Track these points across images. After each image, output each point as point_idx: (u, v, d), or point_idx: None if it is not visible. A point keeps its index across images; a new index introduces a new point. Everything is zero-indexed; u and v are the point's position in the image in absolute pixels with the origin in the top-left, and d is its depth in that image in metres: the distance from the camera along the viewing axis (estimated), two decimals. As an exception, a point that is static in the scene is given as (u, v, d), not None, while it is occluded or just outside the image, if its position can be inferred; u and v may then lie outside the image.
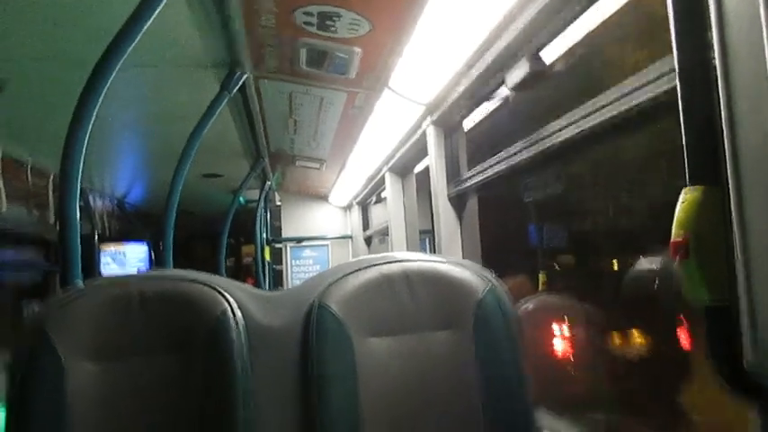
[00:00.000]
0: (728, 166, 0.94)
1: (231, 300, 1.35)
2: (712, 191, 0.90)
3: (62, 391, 1.24)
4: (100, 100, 1.75)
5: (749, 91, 0.91)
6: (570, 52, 2.01)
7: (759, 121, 0.89)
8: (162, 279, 1.40)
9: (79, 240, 1.75)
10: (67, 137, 1.73)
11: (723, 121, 0.94)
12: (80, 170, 1.74)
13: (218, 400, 1.28)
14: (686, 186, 0.93)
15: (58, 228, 1.73)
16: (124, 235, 7.41)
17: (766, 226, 0.88)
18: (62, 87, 2.56)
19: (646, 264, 1.97)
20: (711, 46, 0.96)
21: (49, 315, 1.29)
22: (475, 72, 2.21)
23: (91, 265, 6.27)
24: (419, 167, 4.07)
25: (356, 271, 1.41)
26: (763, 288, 0.90)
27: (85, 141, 1.74)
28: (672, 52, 1.00)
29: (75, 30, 2.19)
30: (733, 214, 0.93)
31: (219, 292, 1.35)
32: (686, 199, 0.91)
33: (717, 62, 0.96)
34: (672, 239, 0.92)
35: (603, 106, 1.57)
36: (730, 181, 0.93)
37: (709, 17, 0.96)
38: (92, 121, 1.74)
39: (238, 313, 1.33)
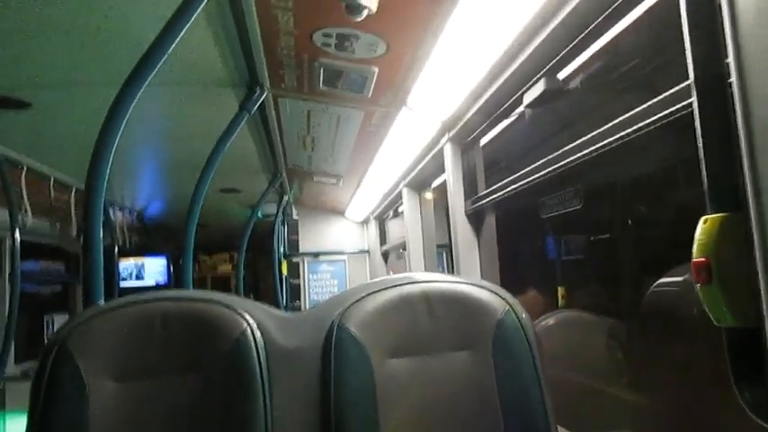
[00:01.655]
0: (749, 190, 0.94)
1: (251, 320, 1.36)
2: (733, 215, 0.90)
3: (83, 409, 1.26)
4: (125, 120, 1.78)
5: (767, 114, 0.91)
6: (585, 71, 2.02)
7: None
8: (182, 300, 1.42)
9: (102, 257, 1.78)
10: (93, 155, 1.76)
11: (743, 146, 0.94)
12: (104, 188, 1.78)
13: (238, 421, 1.29)
14: (707, 210, 0.93)
15: (81, 243, 1.75)
16: (143, 248, 7.49)
17: None
18: (86, 106, 2.62)
19: (667, 281, 1.95)
20: (729, 70, 0.96)
21: (71, 333, 1.31)
22: (492, 90, 2.22)
23: (111, 278, 6.33)
24: (436, 182, 4.07)
25: (375, 292, 1.42)
26: None
27: (110, 160, 1.77)
28: (688, 75, 1.01)
29: (99, 53, 2.24)
30: (755, 239, 0.93)
31: (239, 313, 1.37)
32: (707, 224, 0.91)
33: (734, 87, 0.96)
34: (693, 262, 0.92)
35: (620, 127, 1.57)
36: (751, 206, 0.93)
37: (726, 41, 0.97)
38: (117, 140, 1.77)
39: (258, 334, 1.34)
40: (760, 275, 0.92)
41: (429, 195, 4.25)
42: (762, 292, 0.92)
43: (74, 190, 4.45)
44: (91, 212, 1.78)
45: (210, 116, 3.00)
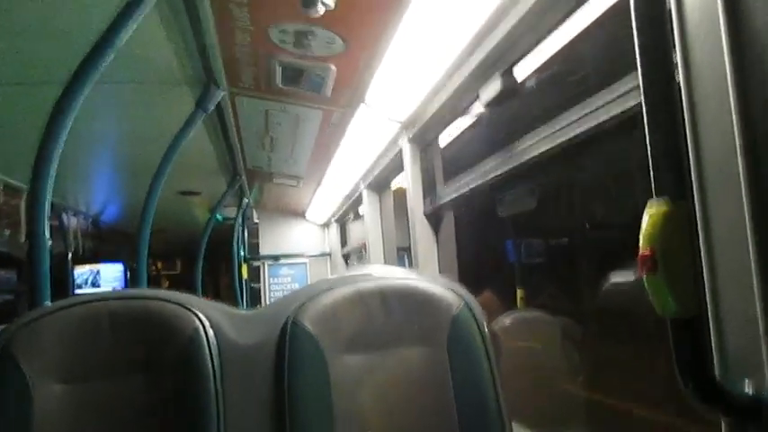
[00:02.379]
0: (693, 181, 0.96)
1: (204, 318, 1.33)
2: (678, 205, 0.92)
3: (27, 413, 1.22)
4: (71, 118, 1.73)
5: (712, 106, 0.93)
6: (541, 69, 2.04)
7: (722, 136, 0.91)
8: (132, 298, 1.38)
9: (49, 259, 1.73)
10: (38, 155, 1.71)
11: (687, 136, 0.96)
12: (50, 188, 1.72)
13: (189, 421, 1.26)
14: (652, 200, 0.94)
15: (27, 246, 1.70)
16: (99, 254, 7.31)
17: (731, 238, 0.90)
18: (32, 106, 2.53)
19: (618, 278, 1.98)
20: (675, 63, 0.98)
21: (14, 334, 1.27)
22: (449, 89, 2.23)
23: (65, 285, 6.16)
24: (396, 183, 4.08)
25: (331, 289, 1.41)
26: (729, 300, 0.91)
27: (56, 160, 1.72)
28: (637, 69, 1.02)
29: (45, 51, 2.17)
30: (699, 227, 0.95)
31: (191, 311, 1.34)
32: (652, 213, 0.92)
33: (680, 79, 0.98)
34: (639, 253, 0.93)
35: (571, 123, 1.60)
36: (695, 195, 0.95)
37: (673, 35, 0.99)
38: (63, 140, 1.72)
39: (210, 332, 1.32)
40: (703, 264, 0.94)
41: (389, 196, 4.25)
42: (705, 280, 0.94)
43: (25, 195, 4.32)
44: (36, 214, 1.72)
45: (166, 116, 2.95)
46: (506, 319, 2.97)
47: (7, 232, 5.01)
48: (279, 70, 2.43)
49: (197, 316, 1.33)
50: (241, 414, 1.29)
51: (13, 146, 3.34)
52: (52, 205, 1.77)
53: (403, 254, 4.44)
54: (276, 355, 1.32)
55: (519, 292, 3.27)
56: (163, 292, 1.41)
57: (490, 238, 3.52)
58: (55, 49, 2.14)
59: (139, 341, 1.32)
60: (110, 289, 7.18)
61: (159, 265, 12.25)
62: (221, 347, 1.32)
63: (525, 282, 3.18)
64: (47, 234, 1.72)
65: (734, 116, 0.88)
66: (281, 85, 2.59)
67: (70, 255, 6.08)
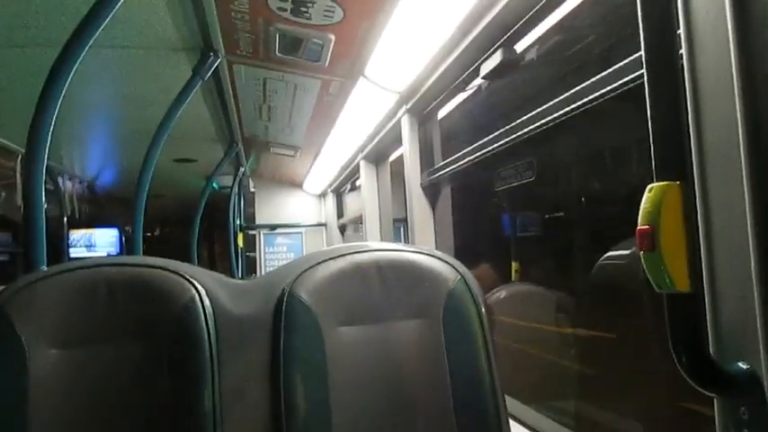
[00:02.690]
0: (694, 159, 0.96)
1: (200, 287, 1.33)
2: (678, 183, 0.92)
3: (22, 376, 1.22)
4: (67, 82, 1.71)
5: (715, 87, 0.93)
6: (542, 41, 2.02)
7: (724, 118, 0.90)
8: (129, 265, 1.38)
9: (44, 222, 1.72)
10: (34, 118, 1.69)
11: (689, 116, 0.96)
12: (46, 151, 1.71)
13: (184, 389, 1.27)
14: (653, 178, 0.94)
15: (22, 209, 1.70)
16: (94, 219, 7.30)
17: (729, 218, 0.90)
18: (29, 69, 2.51)
19: (615, 253, 2.00)
20: (679, 41, 0.97)
21: (10, 298, 1.27)
22: (449, 61, 2.21)
23: (59, 249, 6.17)
24: (394, 156, 4.06)
25: (327, 260, 1.41)
26: (726, 277, 0.92)
27: (52, 123, 1.71)
28: (640, 46, 1.01)
29: (41, 13, 2.14)
30: (698, 205, 0.95)
31: (188, 280, 1.34)
32: (652, 190, 0.92)
33: (684, 58, 0.98)
34: (638, 230, 0.93)
35: (574, 99, 1.58)
36: (695, 175, 0.95)
37: (677, 13, 0.97)
38: (59, 103, 1.71)
39: (207, 301, 1.32)
40: (701, 242, 0.94)
41: (386, 168, 4.24)
42: (702, 258, 0.94)
43: (19, 157, 4.29)
44: (32, 178, 1.71)
45: (163, 81, 2.92)
46: (501, 292, 3.00)
47: (2, 194, 5.00)
48: (277, 38, 2.40)
49: (193, 284, 1.33)
50: (236, 383, 1.30)
51: (8, 108, 3.31)
52: (48, 169, 1.76)
53: (399, 225, 4.46)
54: (272, 326, 1.33)
55: (514, 266, 3.29)
56: (159, 260, 1.40)
57: (487, 212, 3.53)
58: (52, 11, 2.10)
59: (135, 308, 1.32)
60: (104, 254, 7.19)
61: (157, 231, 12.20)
62: (217, 316, 1.32)
63: (520, 255, 3.20)
64: (42, 197, 1.72)
65: (737, 95, 0.87)
66: (279, 54, 2.56)
67: (66, 218, 6.07)
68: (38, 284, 1.30)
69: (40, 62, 1.73)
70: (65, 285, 1.31)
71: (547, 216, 3.05)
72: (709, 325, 0.95)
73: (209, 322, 1.31)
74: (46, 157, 1.71)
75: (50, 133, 1.71)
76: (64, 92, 1.71)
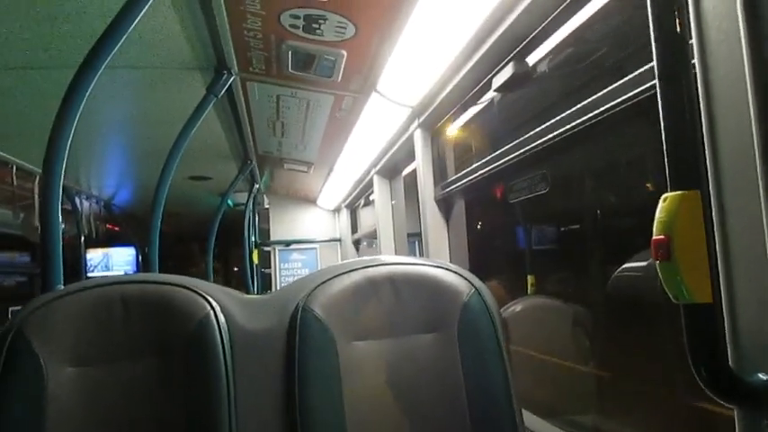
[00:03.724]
0: (709, 168, 0.95)
1: (214, 303, 1.34)
2: (693, 194, 0.91)
3: (40, 395, 1.23)
4: (83, 102, 1.74)
5: (728, 96, 0.92)
6: (554, 54, 2.02)
7: (738, 126, 0.90)
8: (144, 283, 1.39)
9: (61, 242, 1.74)
10: (50, 138, 1.72)
11: (703, 125, 0.95)
12: (62, 172, 1.73)
13: (200, 405, 1.27)
14: (667, 188, 0.93)
15: (39, 229, 1.72)
16: (111, 238, 7.37)
17: (745, 227, 0.89)
18: (46, 90, 2.56)
19: (631, 264, 1.98)
20: (691, 51, 0.97)
21: (28, 317, 1.28)
22: (461, 75, 2.21)
23: (77, 269, 6.23)
24: (407, 170, 4.07)
25: (341, 274, 1.41)
26: (743, 288, 0.91)
27: (68, 143, 1.73)
28: (653, 57, 1.01)
29: (58, 34, 2.17)
30: (713, 215, 0.94)
31: (202, 296, 1.34)
32: (667, 200, 0.92)
33: (697, 68, 0.97)
34: (653, 240, 0.93)
35: (587, 110, 1.58)
36: (711, 184, 0.94)
37: (689, 23, 0.97)
38: (75, 124, 1.73)
39: (221, 317, 1.32)
40: (717, 252, 0.93)
41: (400, 183, 4.24)
42: (719, 268, 0.93)
43: (37, 178, 4.35)
44: (49, 197, 1.73)
45: (178, 100, 2.95)
46: (517, 306, 2.97)
47: (21, 215, 5.06)
48: (290, 55, 2.42)
49: (208, 301, 1.34)
50: (252, 399, 1.30)
51: (26, 129, 3.36)
52: (65, 189, 1.78)
53: (414, 240, 4.45)
54: (286, 341, 1.33)
55: (530, 279, 3.26)
56: (174, 277, 1.41)
57: (501, 225, 3.51)
58: (67, 33, 2.14)
59: (151, 325, 1.32)
60: (121, 272, 7.25)
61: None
62: (232, 332, 1.32)
63: (536, 268, 3.18)
64: (59, 217, 1.74)
65: (751, 104, 0.86)
66: (291, 71, 2.58)
67: (83, 238, 6.13)
68: (54, 303, 1.31)
69: (57, 83, 1.76)
70: (81, 304, 1.32)
71: (563, 229, 3.03)
72: (727, 336, 0.93)
73: (225, 338, 1.31)
74: (62, 177, 1.73)
75: (66, 153, 1.73)
76: (80, 112, 1.74)
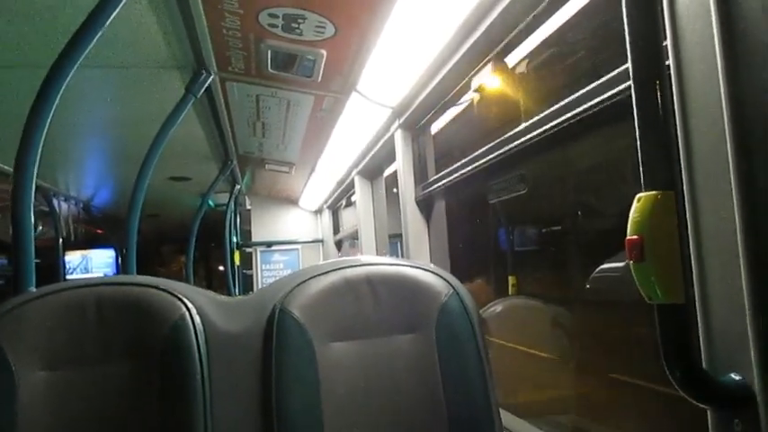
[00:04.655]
0: (683, 170, 0.95)
1: (190, 305, 1.32)
2: (667, 193, 0.91)
3: (10, 398, 1.20)
4: (56, 101, 1.71)
5: (702, 98, 0.93)
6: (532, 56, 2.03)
7: (712, 128, 0.90)
8: (119, 285, 1.37)
9: (33, 243, 1.71)
10: (22, 138, 1.69)
11: (677, 124, 0.95)
12: (35, 171, 1.70)
13: (174, 409, 1.25)
14: (641, 189, 0.93)
15: (11, 231, 1.68)
16: (91, 240, 7.28)
17: (719, 228, 0.90)
18: (18, 90, 2.51)
19: (608, 265, 1.99)
20: (666, 54, 0.97)
21: None
22: (441, 75, 2.21)
23: (55, 271, 6.14)
24: (389, 171, 4.06)
25: (318, 275, 1.40)
26: (717, 288, 0.91)
27: (41, 143, 1.70)
28: (627, 59, 1.01)
29: (28, 33, 2.14)
30: (687, 216, 0.94)
31: (178, 298, 1.33)
32: (641, 200, 0.92)
33: (671, 70, 0.98)
34: (627, 240, 0.93)
35: (562, 112, 1.58)
36: (684, 185, 0.95)
37: (664, 25, 0.98)
38: (48, 123, 1.70)
39: (197, 318, 1.31)
40: (691, 253, 0.94)
41: (381, 183, 4.23)
42: (692, 269, 0.93)
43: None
44: (20, 199, 1.70)
45: (156, 100, 2.92)
46: (498, 306, 2.98)
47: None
48: (269, 55, 2.40)
49: (183, 303, 1.32)
50: (228, 401, 1.28)
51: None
52: (42, 190, 1.75)
53: (396, 241, 4.44)
54: (263, 343, 1.31)
55: (511, 279, 3.27)
56: (150, 279, 1.39)
57: (482, 226, 3.52)
58: (40, 31, 2.11)
59: (126, 327, 1.30)
60: (101, 274, 7.17)
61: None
62: (208, 334, 1.31)
63: (517, 269, 3.18)
64: (31, 218, 1.71)
65: (724, 106, 0.87)
66: (271, 70, 2.56)
67: (61, 240, 6.05)
68: (26, 306, 1.29)
69: (29, 83, 1.72)
70: (54, 306, 1.30)
71: (544, 230, 3.04)
72: (701, 336, 0.94)
73: (200, 340, 1.29)
74: (35, 176, 1.70)
75: (39, 153, 1.70)
76: (53, 112, 1.71)
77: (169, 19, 2.14)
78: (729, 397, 0.88)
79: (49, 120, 1.70)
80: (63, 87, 1.71)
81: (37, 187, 1.73)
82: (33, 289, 1.62)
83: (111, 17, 1.72)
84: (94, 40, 1.72)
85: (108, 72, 2.58)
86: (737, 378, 0.88)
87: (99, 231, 7.44)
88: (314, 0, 1.90)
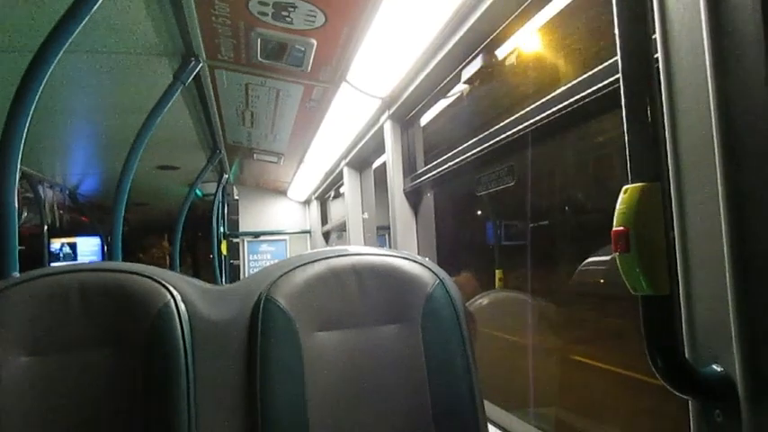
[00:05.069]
0: (669, 162, 0.96)
1: (175, 292, 1.31)
2: (653, 186, 0.92)
3: None
4: (41, 87, 1.69)
5: (689, 91, 0.93)
6: (522, 47, 2.03)
7: (698, 121, 0.91)
8: (103, 271, 1.36)
9: (17, 228, 1.69)
10: (6, 123, 1.67)
11: (665, 117, 0.96)
12: (19, 157, 1.68)
13: (158, 396, 1.24)
14: (628, 181, 0.94)
15: None
16: (77, 227, 7.22)
17: (704, 220, 0.90)
18: (6, 74, 2.48)
19: (594, 258, 2.00)
20: (654, 46, 0.97)
21: None
22: (431, 66, 2.21)
23: (40, 258, 6.09)
24: (378, 163, 4.06)
25: (304, 264, 1.40)
26: (700, 280, 0.92)
27: (25, 129, 1.68)
28: (616, 52, 1.01)
29: (14, 17, 2.10)
30: (673, 208, 0.95)
31: (163, 285, 1.32)
32: (627, 192, 0.92)
33: (659, 62, 0.98)
34: (613, 232, 0.93)
35: (552, 104, 1.59)
36: (671, 177, 0.95)
37: (653, 18, 0.98)
38: (32, 109, 1.68)
39: (182, 306, 1.30)
40: (676, 245, 0.94)
41: (370, 175, 4.23)
42: (677, 260, 0.94)
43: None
44: (4, 184, 1.68)
45: (144, 87, 2.89)
46: (484, 299, 2.99)
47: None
48: (258, 43, 2.38)
49: (168, 290, 1.31)
50: (212, 389, 1.28)
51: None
52: (27, 176, 1.73)
53: (384, 233, 4.45)
54: (249, 331, 1.31)
55: (497, 273, 3.29)
56: (134, 265, 1.38)
57: (470, 220, 3.53)
58: (26, 15, 2.07)
59: (109, 314, 1.29)
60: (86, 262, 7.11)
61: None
62: (192, 322, 1.30)
63: (504, 263, 3.20)
64: (15, 203, 1.69)
65: (711, 99, 0.87)
66: (260, 59, 2.54)
67: (46, 227, 6.00)
68: (8, 291, 1.28)
69: (14, 67, 1.71)
70: (36, 291, 1.29)
71: (532, 225, 3.05)
72: (684, 327, 0.95)
73: (185, 328, 1.29)
74: (19, 162, 1.68)
75: (23, 139, 1.68)
76: (38, 97, 1.69)
77: (158, 4, 2.11)
78: (711, 388, 0.89)
79: (33, 105, 1.68)
80: (48, 72, 1.69)
81: (22, 174, 1.72)
82: (17, 274, 1.61)
83: (99, 2, 1.70)
84: (82, 24, 1.70)
85: (95, 57, 2.55)
86: (719, 369, 0.89)
87: (85, 219, 7.37)
88: (304, -12, 1.89)
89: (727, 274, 0.86)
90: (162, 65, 2.66)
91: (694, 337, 0.94)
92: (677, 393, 0.92)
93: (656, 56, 0.99)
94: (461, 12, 1.83)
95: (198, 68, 2.64)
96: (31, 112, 1.68)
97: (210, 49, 2.54)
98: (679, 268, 0.94)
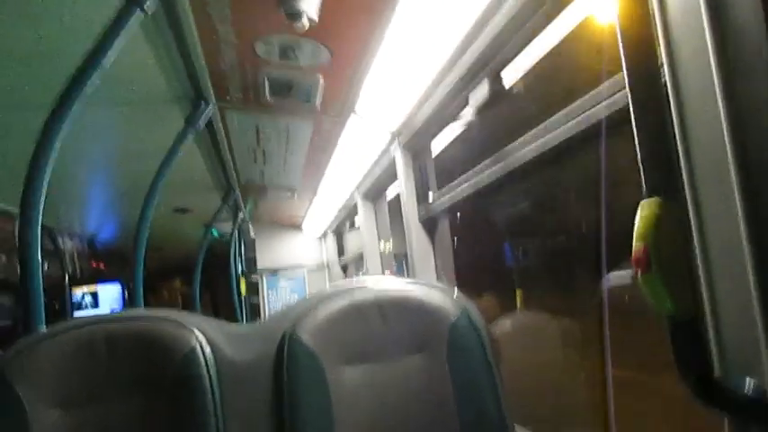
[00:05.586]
0: (684, 179, 0.95)
1: (200, 336, 1.32)
2: (670, 204, 0.91)
3: None
4: (59, 141, 1.72)
5: (699, 105, 0.93)
6: (529, 71, 2.04)
7: (711, 133, 0.90)
8: (128, 319, 1.37)
9: (41, 283, 1.71)
10: (27, 179, 1.70)
11: (676, 134, 0.95)
12: (41, 211, 1.71)
13: None
14: (643, 200, 0.93)
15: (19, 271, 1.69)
16: (97, 275, 7.27)
17: (725, 236, 0.89)
18: (21, 131, 2.52)
19: (615, 277, 1.97)
20: (661, 62, 0.98)
21: (10, 361, 1.26)
22: (438, 95, 2.23)
23: (63, 308, 6.13)
24: (391, 191, 4.07)
25: (326, 301, 1.40)
26: (727, 297, 0.90)
27: (46, 183, 1.71)
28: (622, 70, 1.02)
29: (29, 75, 2.16)
30: (692, 226, 0.94)
31: (187, 329, 1.33)
32: (644, 212, 0.92)
33: (666, 78, 0.98)
34: (633, 253, 0.92)
35: (559, 125, 1.59)
36: (687, 193, 0.94)
37: (657, 35, 0.98)
38: (52, 163, 1.71)
39: (208, 350, 1.31)
40: (698, 262, 0.93)
41: (384, 205, 4.24)
42: (701, 278, 0.92)
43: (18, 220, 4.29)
44: (27, 239, 1.71)
45: (156, 133, 2.93)
46: (507, 321, 2.96)
47: (3, 258, 4.98)
48: (267, 83, 2.42)
49: (194, 334, 1.32)
50: (242, 430, 1.27)
51: (4, 171, 3.32)
52: (46, 229, 1.76)
53: (401, 261, 4.43)
54: (275, 371, 1.31)
55: (518, 294, 3.26)
56: (159, 311, 1.40)
57: (487, 242, 3.51)
58: (41, 72, 2.13)
59: (137, 362, 1.30)
60: (108, 309, 7.14)
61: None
62: (219, 364, 1.31)
63: (524, 283, 3.17)
64: (39, 258, 1.71)
65: (722, 112, 0.87)
66: (269, 98, 2.58)
67: (67, 277, 6.05)
68: (37, 346, 1.29)
69: (32, 123, 1.74)
70: (64, 345, 1.30)
71: (549, 243, 3.03)
72: (713, 344, 0.93)
73: (212, 371, 1.29)
74: (41, 216, 1.71)
75: (44, 193, 1.71)
76: (56, 151, 1.72)
77: (166, 54, 2.16)
78: (745, 403, 0.88)
79: (52, 159, 1.71)
80: (66, 127, 1.72)
81: (42, 226, 1.74)
82: (44, 328, 1.62)
83: (112, 56, 1.74)
84: (96, 79, 1.74)
85: (107, 109, 2.60)
86: (753, 383, 0.87)
87: (104, 266, 7.43)
88: (308, 28, 1.91)
89: (753, 290, 0.84)
90: (173, 111, 2.70)
91: (724, 354, 0.92)
92: (712, 411, 0.91)
93: (662, 68, 0.99)
94: (466, 39, 1.85)
95: (208, 111, 2.68)
96: (50, 167, 1.71)
97: (220, 92, 2.59)
98: (704, 286, 0.93)
